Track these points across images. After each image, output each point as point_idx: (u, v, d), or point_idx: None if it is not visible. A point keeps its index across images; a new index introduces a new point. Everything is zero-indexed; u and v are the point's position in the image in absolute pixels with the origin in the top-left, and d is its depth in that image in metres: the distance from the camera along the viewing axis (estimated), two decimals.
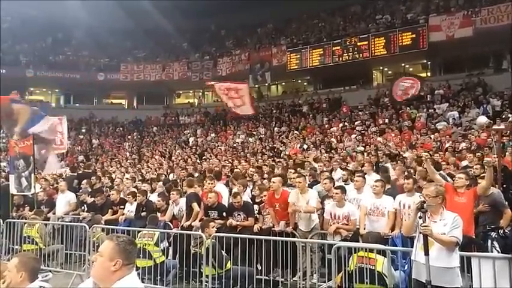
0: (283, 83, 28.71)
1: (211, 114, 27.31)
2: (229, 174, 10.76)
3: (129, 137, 26.29)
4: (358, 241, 6.15)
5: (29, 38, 28.94)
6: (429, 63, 23.04)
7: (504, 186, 7.75)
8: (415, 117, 17.53)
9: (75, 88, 30.37)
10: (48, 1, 25.13)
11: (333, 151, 14.76)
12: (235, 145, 19.71)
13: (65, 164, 18.74)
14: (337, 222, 6.54)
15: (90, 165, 11.34)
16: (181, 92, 32.35)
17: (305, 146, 16.61)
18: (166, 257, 7.08)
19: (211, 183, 7.95)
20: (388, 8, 24.56)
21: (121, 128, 28.48)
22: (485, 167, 6.13)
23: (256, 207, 7.73)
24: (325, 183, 7.41)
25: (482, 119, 9.80)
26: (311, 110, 22.87)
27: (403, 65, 24.00)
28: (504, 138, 10.68)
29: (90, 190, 10.18)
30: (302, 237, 6.60)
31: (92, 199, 9.55)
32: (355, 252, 5.21)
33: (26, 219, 8.81)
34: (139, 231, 7.08)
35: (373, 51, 21.89)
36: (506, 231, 5.75)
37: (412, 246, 4.64)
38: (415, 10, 22.75)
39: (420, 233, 4.02)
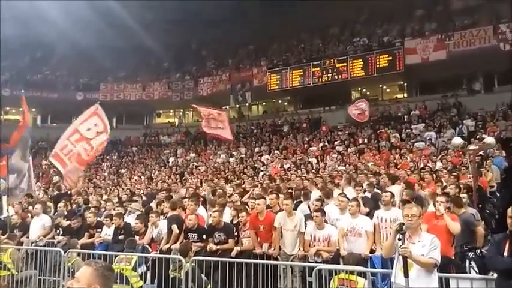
0: (264, 103, 28.90)
1: (192, 134, 27.22)
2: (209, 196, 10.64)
3: (108, 157, 25.91)
4: (339, 262, 6.15)
5: (6, 56, 28.46)
6: (405, 84, 23.57)
7: (480, 206, 7.92)
8: (391, 139, 17.82)
9: (53, 108, 29.91)
10: (27, 19, 24.95)
11: (313, 171, 14.83)
12: (216, 165, 19.60)
13: (41, 185, 18.35)
14: (317, 244, 6.52)
15: (59, 186, 11.01)
16: (161, 111, 32.19)
17: (286, 166, 16.65)
18: (144, 282, 6.94)
19: (193, 205, 7.85)
20: (365, 31, 25.16)
21: None
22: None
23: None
24: (315, 205, 7.37)
25: (457, 140, 10.06)
26: (291, 129, 23.05)
27: (380, 86, 24.52)
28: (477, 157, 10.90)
29: (66, 213, 9.92)
30: (286, 260, 6.55)
31: (68, 222, 9.29)
32: (335, 275, 5.21)
33: None
34: (116, 256, 6.92)
35: (352, 73, 22.32)
36: (483, 250, 5.84)
37: (391, 267, 4.66)
38: (391, 33, 23.38)
39: (400, 254, 4.04)
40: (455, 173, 10.52)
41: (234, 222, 7.88)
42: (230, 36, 28.63)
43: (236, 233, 7.44)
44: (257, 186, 11.52)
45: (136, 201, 10.82)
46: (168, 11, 25.77)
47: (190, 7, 25.43)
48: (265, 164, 17.87)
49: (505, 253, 3.90)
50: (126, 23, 24.61)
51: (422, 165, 12.82)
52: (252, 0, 24.82)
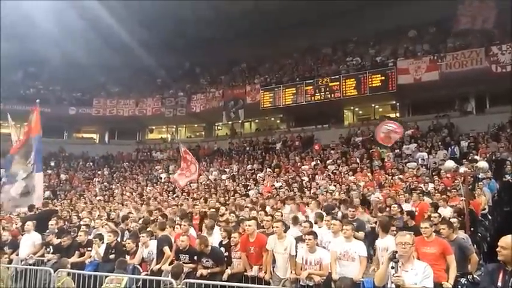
0: (257, 121, 28.99)
1: None
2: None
3: (99, 172, 25.74)
4: (330, 286, 6.11)
5: None
6: (398, 104, 23.77)
7: (472, 229, 7.94)
8: (384, 157, 17.86)
9: (45, 122, 29.57)
10: (20, 34, 24.97)
11: (305, 189, 14.79)
12: (208, 182, 19.52)
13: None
14: (309, 267, 6.46)
15: (47, 203, 10.84)
16: (154, 127, 32.14)
17: (278, 184, 16.61)
18: None
19: (185, 225, 7.79)
20: (358, 50, 25.45)
21: (91, 163, 27.90)
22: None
23: (222, 249, 7.46)
24: (304, 227, 7.32)
25: (450, 164, 10.12)
26: (284, 147, 23.08)
27: (373, 105, 24.71)
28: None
29: (57, 231, 9.79)
30: (278, 283, 6.48)
31: (59, 240, 9.17)
32: None
33: None
34: (106, 276, 6.83)
35: (344, 92, 22.46)
36: (475, 276, 5.84)
37: None
38: (384, 53, 23.65)
39: (392, 282, 4.03)
40: (444, 195, 10.57)
41: (225, 242, 7.71)
42: (224, 54, 28.86)
43: (227, 253, 7.36)
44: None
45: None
46: (163, 29, 25.97)
47: (185, 25, 25.68)
48: (258, 181, 17.83)
49: (499, 283, 3.89)
50: (120, 39, 24.69)
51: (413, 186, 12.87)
52: (246, 19, 25.07)
